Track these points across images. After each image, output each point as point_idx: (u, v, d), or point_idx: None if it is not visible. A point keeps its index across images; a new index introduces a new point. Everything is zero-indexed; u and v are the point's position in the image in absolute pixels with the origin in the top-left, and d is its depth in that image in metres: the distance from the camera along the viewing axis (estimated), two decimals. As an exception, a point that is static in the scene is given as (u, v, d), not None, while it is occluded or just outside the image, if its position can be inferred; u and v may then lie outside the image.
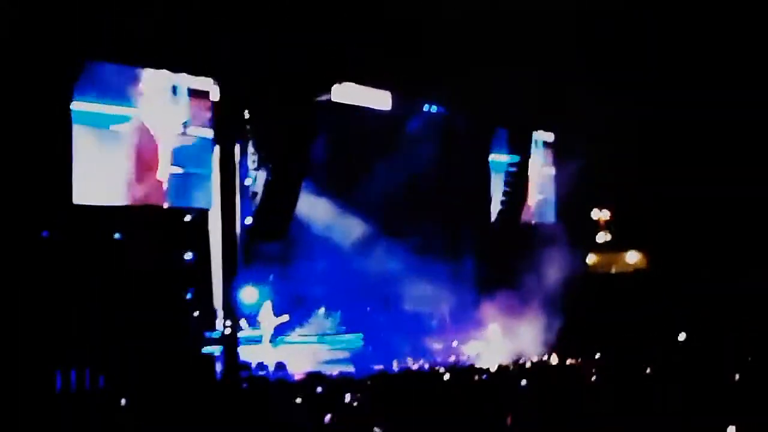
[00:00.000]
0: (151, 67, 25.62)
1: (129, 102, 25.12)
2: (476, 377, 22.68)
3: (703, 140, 34.15)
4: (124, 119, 25.12)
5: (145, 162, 25.71)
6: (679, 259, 34.81)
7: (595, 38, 31.70)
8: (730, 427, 13.33)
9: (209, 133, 27.15)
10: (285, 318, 28.93)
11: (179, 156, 26.54)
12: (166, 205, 26.04)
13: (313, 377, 23.35)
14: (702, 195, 34.40)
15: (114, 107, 24.79)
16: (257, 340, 28.59)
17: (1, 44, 21.83)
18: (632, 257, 38.73)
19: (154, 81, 25.79)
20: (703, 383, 18.65)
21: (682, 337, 31.86)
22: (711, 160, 34.14)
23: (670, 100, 33.67)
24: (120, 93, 24.94)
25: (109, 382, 22.30)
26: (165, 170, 26.10)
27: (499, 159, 35.50)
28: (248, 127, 28.09)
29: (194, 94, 26.77)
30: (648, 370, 21.95)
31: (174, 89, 26.35)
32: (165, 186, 26.12)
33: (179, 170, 26.47)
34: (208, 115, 27.04)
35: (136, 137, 25.52)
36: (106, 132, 24.65)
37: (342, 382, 21.90)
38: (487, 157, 35.16)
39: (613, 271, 38.72)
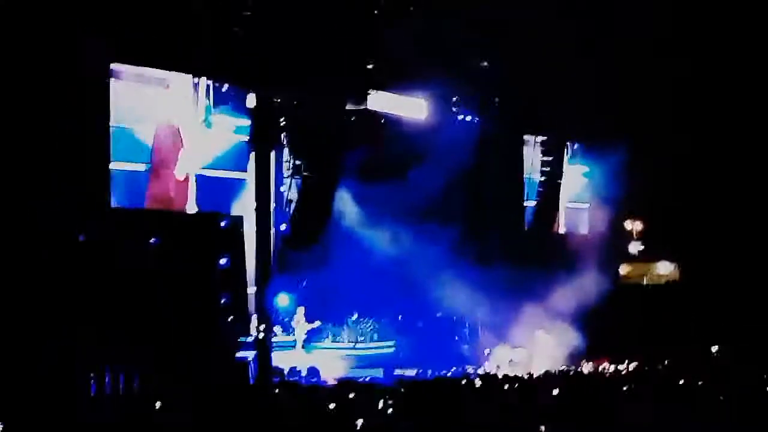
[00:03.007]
0: (188, 73, 25.85)
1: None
2: (507, 385, 22.65)
3: (738, 149, 34.03)
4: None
5: (166, 160, 25.99)
6: (713, 270, 34.63)
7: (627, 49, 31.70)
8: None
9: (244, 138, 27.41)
10: (316, 324, 29.03)
11: (210, 158, 26.83)
12: (188, 207, 26.29)
13: (345, 383, 23.39)
14: (736, 205, 34.27)
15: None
16: (290, 346, 28.70)
17: (36, 47, 22.07)
18: (665, 268, 38.58)
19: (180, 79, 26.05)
20: (736, 395, 18.58)
21: (714, 348, 31.73)
22: (746, 169, 34.03)
23: (706, 108, 33.61)
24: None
25: (143, 385, 22.45)
26: (187, 170, 26.33)
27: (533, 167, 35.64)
28: (284, 134, 28.28)
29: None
30: (681, 381, 21.89)
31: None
32: (189, 187, 26.39)
33: (210, 173, 26.73)
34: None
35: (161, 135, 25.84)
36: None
37: (373, 389, 21.91)
38: (521, 164, 35.19)
39: (646, 281, 38.58)
